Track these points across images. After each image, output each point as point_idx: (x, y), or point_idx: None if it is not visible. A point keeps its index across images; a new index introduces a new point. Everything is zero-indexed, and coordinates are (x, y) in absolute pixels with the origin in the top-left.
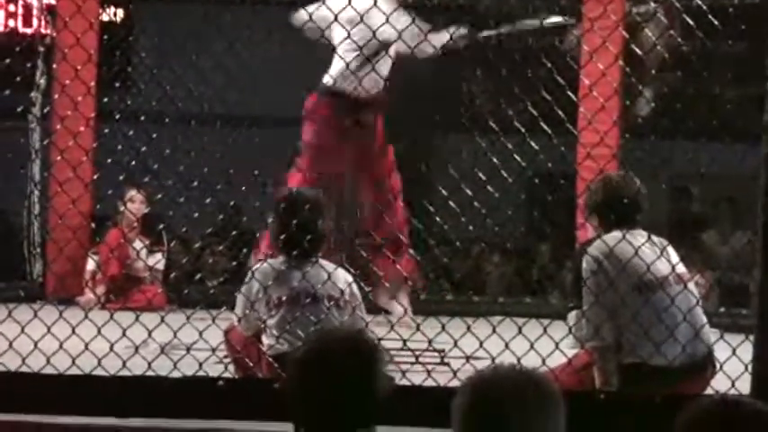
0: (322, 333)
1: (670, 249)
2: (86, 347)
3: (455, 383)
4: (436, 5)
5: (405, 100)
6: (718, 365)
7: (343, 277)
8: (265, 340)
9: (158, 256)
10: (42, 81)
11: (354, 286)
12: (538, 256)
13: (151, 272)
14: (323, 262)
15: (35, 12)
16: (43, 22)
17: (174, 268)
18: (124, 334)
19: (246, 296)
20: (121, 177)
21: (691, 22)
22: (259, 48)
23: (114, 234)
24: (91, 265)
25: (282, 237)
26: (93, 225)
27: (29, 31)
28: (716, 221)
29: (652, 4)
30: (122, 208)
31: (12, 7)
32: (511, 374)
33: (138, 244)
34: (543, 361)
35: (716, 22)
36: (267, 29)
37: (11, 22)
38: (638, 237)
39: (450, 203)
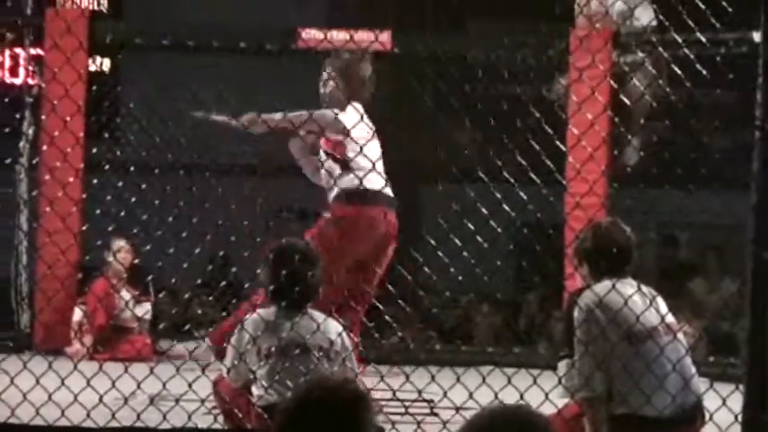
0: (310, 383)
1: (659, 299)
2: (75, 399)
3: None
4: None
5: (393, 149)
6: (707, 415)
7: (333, 328)
8: (255, 391)
9: (146, 306)
10: (30, 131)
11: (345, 336)
12: (526, 306)
13: (139, 322)
14: (313, 312)
15: (22, 62)
16: (30, 73)
17: (161, 319)
18: (113, 385)
19: (236, 347)
20: (110, 228)
21: (678, 72)
22: (249, 97)
23: (101, 284)
24: (78, 315)
25: (273, 287)
26: (79, 275)
27: (16, 81)
28: (704, 270)
29: (640, 54)
30: (110, 258)
31: None
32: (511, 411)
33: (125, 294)
34: None
35: (704, 72)
36: (257, 77)
37: None
38: (628, 286)
39: (439, 253)
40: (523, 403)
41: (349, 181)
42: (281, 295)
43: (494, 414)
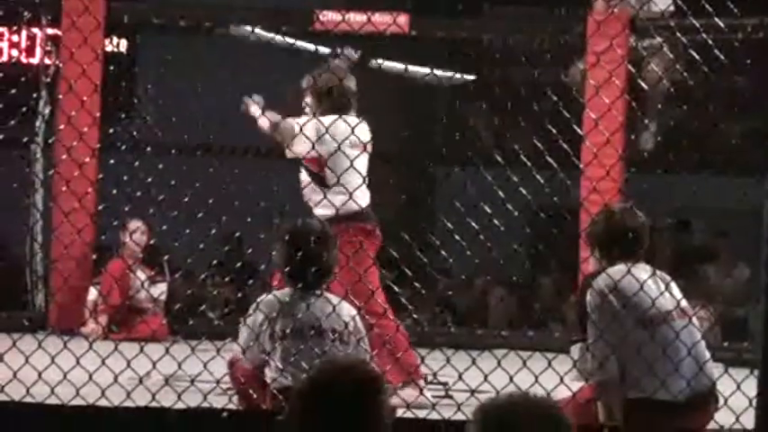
0: (324, 364)
1: (673, 284)
2: (90, 378)
3: (459, 417)
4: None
5: (410, 133)
6: (721, 400)
7: (347, 310)
8: (269, 373)
9: (161, 286)
10: (46, 111)
11: (359, 319)
12: (540, 290)
13: (154, 303)
14: (328, 295)
15: (39, 42)
16: (47, 52)
17: (176, 299)
18: (128, 365)
19: (251, 328)
20: (126, 209)
21: (696, 57)
22: (264, 78)
23: (117, 264)
24: (92, 295)
25: (288, 268)
26: (95, 256)
27: (33, 61)
28: (717, 255)
29: (657, 39)
30: (126, 238)
31: (15, 38)
32: (524, 402)
33: (140, 274)
34: (547, 394)
35: (721, 57)
36: (273, 59)
37: (14, 53)
38: (642, 271)
39: (455, 236)
40: (531, 392)
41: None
42: (296, 277)
43: (506, 404)
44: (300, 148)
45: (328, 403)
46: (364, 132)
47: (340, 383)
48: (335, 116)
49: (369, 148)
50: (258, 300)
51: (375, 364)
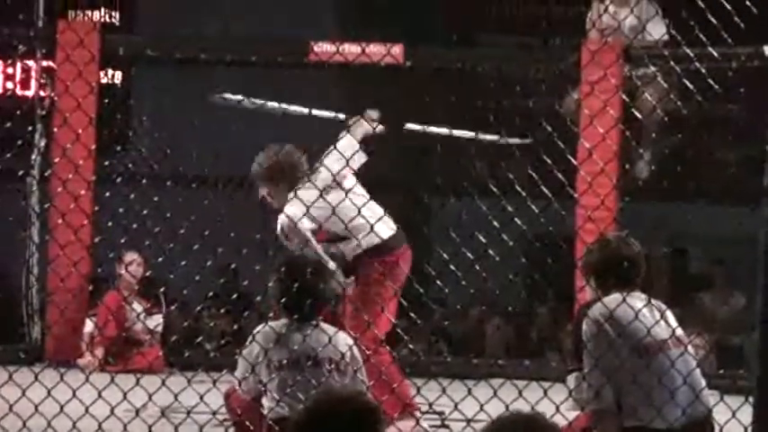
0: (321, 395)
1: (668, 313)
2: (87, 411)
3: None
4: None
5: (405, 163)
6: (717, 428)
7: (343, 340)
8: (266, 403)
9: (157, 318)
10: (42, 144)
11: (355, 349)
12: (537, 319)
13: (150, 335)
14: (324, 325)
15: (34, 74)
16: (42, 85)
17: (172, 331)
18: (125, 397)
19: (247, 359)
20: (122, 241)
21: (690, 86)
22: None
23: (113, 297)
24: (89, 327)
25: (284, 300)
26: (90, 287)
27: (28, 93)
28: (713, 283)
29: (651, 68)
30: (122, 271)
31: (10, 70)
32: (528, 420)
33: (137, 306)
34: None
35: (715, 86)
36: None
37: (9, 85)
38: (638, 300)
39: (451, 267)
40: (538, 412)
41: (367, 239)
42: (291, 308)
43: (509, 423)
44: (302, 235)
45: None
46: (335, 159)
47: (338, 414)
48: (301, 187)
49: (353, 162)
50: (254, 331)
51: (372, 395)
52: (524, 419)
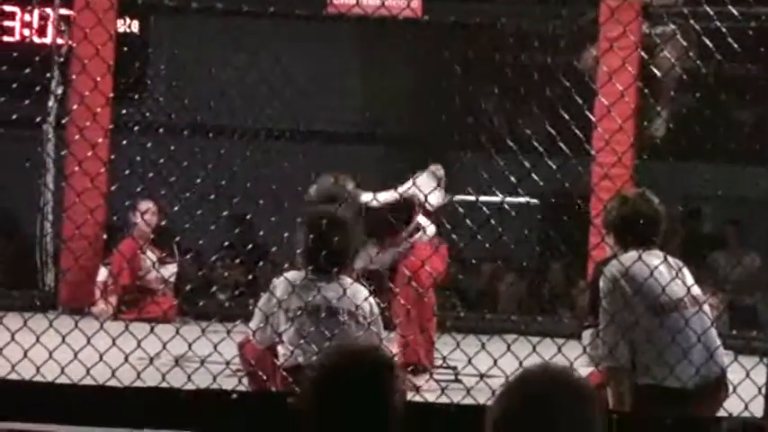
0: (336, 348)
1: (685, 271)
2: (101, 358)
3: (468, 401)
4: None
5: (422, 117)
6: (731, 387)
7: (361, 293)
8: (281, 350)
9: (171, 267)
10: (59, 91)
11: (372, 302)
12: (550, 275)
13: (164, 284)
14: (343, 278)
15: (51, 22)
16: (59, 33)
17: (185, 280)
18: (139, 345)
19: (264, 309)
20: (138, 189)
21: (709, 44)
22: (280, 60)
23: (127, 245)
24: (103, 275)
25: (303, 251)
26: (105, 236)
27: (45, 41)
28: (727, 243)
29: (670, 26)
30: (137, 219)
31: (28, 17)
32: (556, 373)
33: (151, 255)
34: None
35: (734, 45)
36: (288, 41)
37: (26, 32)
38: (655, 258)
39: (466, 221)
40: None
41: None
42: (310, 259)
43: (541, 379)
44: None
45: (342, 390)
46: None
47: (353, 369)
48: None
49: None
50: (273, 282)
51: (386, 347)
52: (551, 377)
